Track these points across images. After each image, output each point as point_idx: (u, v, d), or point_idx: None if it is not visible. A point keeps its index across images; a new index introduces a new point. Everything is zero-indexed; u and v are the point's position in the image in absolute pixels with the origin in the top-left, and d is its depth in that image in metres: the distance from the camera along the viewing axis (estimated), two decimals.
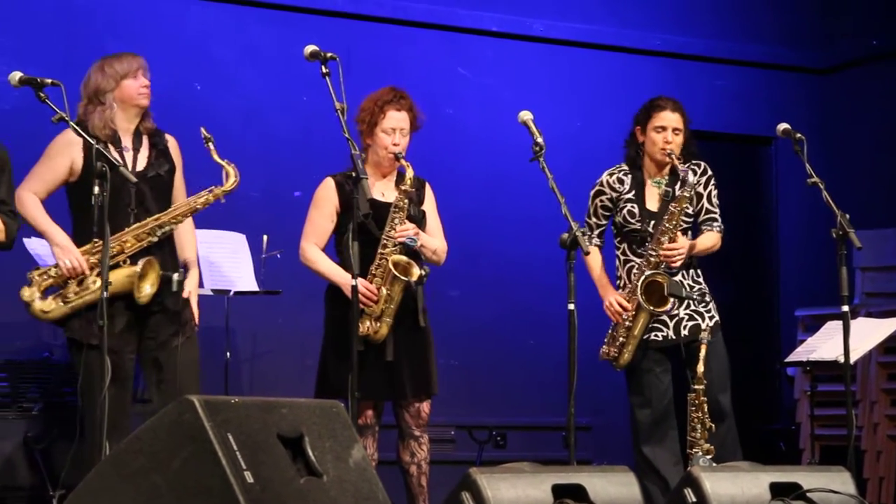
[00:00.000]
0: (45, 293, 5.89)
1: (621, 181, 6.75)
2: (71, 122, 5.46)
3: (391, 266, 6.17)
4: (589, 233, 6.81)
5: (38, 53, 7.61)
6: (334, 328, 6.30)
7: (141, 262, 5.84)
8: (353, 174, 5.69)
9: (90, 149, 5.77)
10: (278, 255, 7.50)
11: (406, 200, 6.27)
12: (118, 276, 5.81)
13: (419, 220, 6.37)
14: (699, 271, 6.73)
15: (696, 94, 9.02)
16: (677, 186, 6.60)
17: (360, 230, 6.09)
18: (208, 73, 8.15)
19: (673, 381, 6.73)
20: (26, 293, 5.88)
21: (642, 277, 6.56)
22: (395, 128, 6.32)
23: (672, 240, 6.55)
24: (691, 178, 6.55)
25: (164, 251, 6.03)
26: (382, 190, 6.37)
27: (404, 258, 6.22)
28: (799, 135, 6.48)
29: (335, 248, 6.41)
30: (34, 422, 6.59)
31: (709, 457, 6.33)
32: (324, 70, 5.75)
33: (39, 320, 5.96)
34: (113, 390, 5.62)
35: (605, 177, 6.82)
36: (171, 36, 8.01)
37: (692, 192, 6.57)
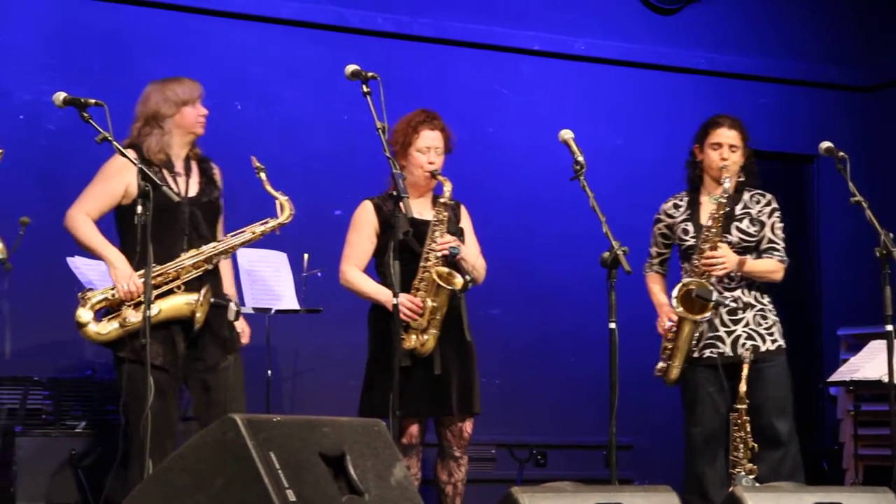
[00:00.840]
0: (97, 314, 5.89)
1: (677, 206, 6.75)
2: (115, 143, 5.48)
3: (435, 276, 6.19)
4: (650, 260, 6.81)
5: (80, 74, 7.66)
6: (378, 347, 6.32)
7: (203, 291, 5.82)
8: (394, 193, 5.69)
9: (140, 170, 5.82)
10: (319, 274, 7.51)
11: (445, 214, 6.31)
12: (176, 303, 5.81)
13: (458, 237, 6.40)
14: (763, 294, 6.66)
15: (739, 112, 8.89)
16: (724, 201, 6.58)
17: (401, 248, 6.13)
18: (249, 92, 8.19)
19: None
20: (83, 315, 5.83)
21: (679, 285, 6.53)
22: (429, 146, 6.37)
23: (713, 248, 6.51)
24: (726, 183, 6.52)
25: (215, 277, 6.02)
26: (419, 209, 6.40)
27: (446, 269, 6.25)
28: (842, 153, 6.45)
29: (376, 270, 6.44)
30: (78, 440, 6.61)
31: (752, 476, 6.30)
32: (365, 89, 5.76)
33: (91, 342, 5.92)
34: (161, 409, 5.69)
35: (663, 204, 6.85)
36: (211, 55, 8.05)
37: (727, 198, 6.53)
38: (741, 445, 6.37)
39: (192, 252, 5.88)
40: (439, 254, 6.26)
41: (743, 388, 6.34)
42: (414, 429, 6.28)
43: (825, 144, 6.53)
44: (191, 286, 5.85)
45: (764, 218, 6.66)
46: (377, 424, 4.64)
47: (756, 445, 6.39)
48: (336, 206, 8.18)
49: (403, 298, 6.17)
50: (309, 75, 8.29)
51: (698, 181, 6.74)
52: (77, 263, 6.79)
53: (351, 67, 5.81)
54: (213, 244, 5.92)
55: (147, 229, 5.37)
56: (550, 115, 8.64)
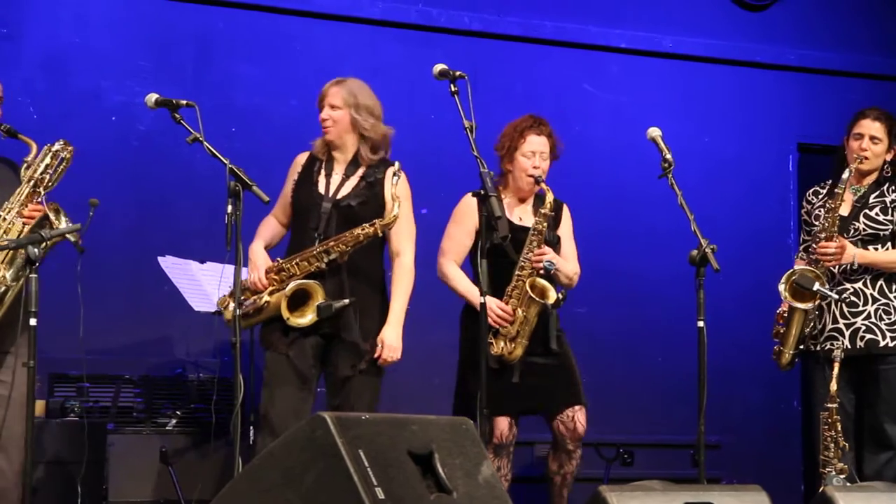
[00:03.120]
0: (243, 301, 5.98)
1: (817, 193, 6.72)
2: (205, 143, 5.53)
3: (528, 288, 6.21)
4: (799, 247, 6.82)
5: (172, 75, 7.74)
6: (471, 346, 6.33)
7: (294, 284, 5.88)
8: (483, 192, 5.70)
9: (308, 165, 6.07)
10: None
11: (544, 224, 6.31)
12: (279, 297, 5.91)
13: (554, 245, 6.41)
14: (893, 286, 6.57)
15: (828, 108, 8.92)
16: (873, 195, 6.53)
17: (497, 252, 6.24)
18: None
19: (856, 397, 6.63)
20: (221, 300, 6.11)
21: (786, 274, 6.48)
22: (534, 151, 6.40)
23: (829, 239, 6.46)
24: (845, 174, 6.47)
25: (340, 279, 5.97)
26: (521, 214, 6.45)
27: (542, 281, 6.26)
28: None
29: (472, 269, 6.46)
30: (168, 437, 6.68)
31: (842, 476, 6.24)
32: (452, 88, 5.77)
33: (228, 325, 6.09)
34: (284, 399, 5.86)
35: (808, 191, 6.83)
36: (300, 55, 8.10)
37: (844, 189, 6.48)
38: (832, 445, 6.31)
39: (306, 250, 5.94)
40: (535, 265, 6.28)
41: (833, 387, 6.29)
42: (505, 428, 6.29)
43: None
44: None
45: None
46: (465, 423, 4.65)
47: (847, 445, 6.33)
48: (422, 205, 8.20)
49: (493, 303, 6.21)
50: (396, 75, 8.31)
51: (842, 171, 6.66)
52: (168, 263, 6.86)
53: (439, 67, 5.83)
54: (323, 242, 5.93)
55: (237, 229, 5.43)
56: (638, 113, 8.60)
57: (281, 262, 5.98)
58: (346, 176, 6.08)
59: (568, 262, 6.48)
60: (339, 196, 6.03)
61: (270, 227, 6.22)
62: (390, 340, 5.98)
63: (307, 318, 5.89)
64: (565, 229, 6.57)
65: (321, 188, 6.05)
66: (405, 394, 8.06)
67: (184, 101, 5.62)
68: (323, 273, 5.93)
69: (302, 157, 6.18)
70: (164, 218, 7.60)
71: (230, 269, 5.58)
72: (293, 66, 8.02)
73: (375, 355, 5.96)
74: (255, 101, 7.92)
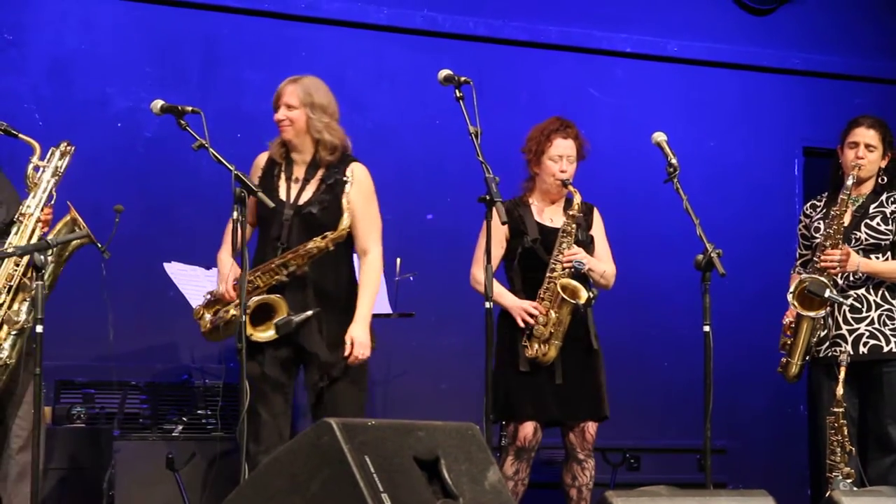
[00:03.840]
0: (216, 313, 5.95)
1: (815, 206, 6.74)
2: (211, 150, 5.53)
3: (559, 289, 6.23)
4: (795, 261, 6.83)
5: (178, 81, 7.75)
6: (501, 350, 6.36)
7: (254, 300, 5.77)
8: (487, 197, 5.68)
9: (268, 168, 5.93)
10: (411, 278, 7.53)
11: (574, 225, 6.35)
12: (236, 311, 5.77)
13: (587, 245, 6.44)
14: (895, 292, 6.59)
15: (833, 112, 8.90)
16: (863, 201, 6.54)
17: (529, 255, 6.34)
18: (342, 97, 8.18)
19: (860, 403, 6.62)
20: (196, 311, 6.03)
21: (796, 282, 6.49)
22: (562, 155, 6.43)
23: (834, 247, 6.47)
24: (849, 181, 6.48)
25: (304, 288, 5.88)
26: (551, 216, 6.48)
27: (573, 282, 6.28)
28: None
29: (505, 274, 6.48)
30: (175, 443, 6.68)
31: (849, 480, 6.24)
32: (458, 94, 5.76)
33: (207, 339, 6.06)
34: (268, 417, 5.82)
35: (806, 204, 6.86)
36: (305, 61, 8.10)
37: (848, 196, 6.49)
38: (838, 449, 6.31)
39: (265, 263, 5.84)
40: (565, 266, 6.29)
41: (840, 391, 6.28)
42: (529, 433, 6.31)
43: None
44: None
45: None
46: (471, 428, 4.65)
47: (854, 449, 6.33)
48: (428, 211, 8.21)
49: (527, 306, 6.28)
50: (401, 80, 8.32)
51: (838, 181, 6.67)
52: (173, 269, 6.87)
53: (444, 72, 5.81)
54: (281, 255, 5.82)
55: (243, 234, 5.43)
56: (643, 118, 8.60)
57: (254, 272, 5.86)
58: (307, 180, 5.95)
59: (602, 262, 6.50)
60: (300, 202, 5.91)
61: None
62: (358, 338, 5.84)
63: (269, 332, 5.80)
64: (597, 230, 6.62)
65: (282, 194, 5.91)
66: (412, 400, 8.07)
67: (189, 108, 5.62)
68: (286, 284, 5.85)
69: (261, 160, 6.04)
70: (169, 224, 7.61)
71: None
72: (299, 71, 7.92)
73: (345, 354, 5.83)
74: (261, 107, 7.87)
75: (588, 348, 6.41)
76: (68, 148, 5.91)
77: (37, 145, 5.86)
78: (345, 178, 5.90)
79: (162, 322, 7.47)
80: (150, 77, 7.72)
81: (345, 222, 5.79)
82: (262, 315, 5.81)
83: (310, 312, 5.80)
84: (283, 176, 5.95)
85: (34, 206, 5.79)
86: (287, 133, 5.96)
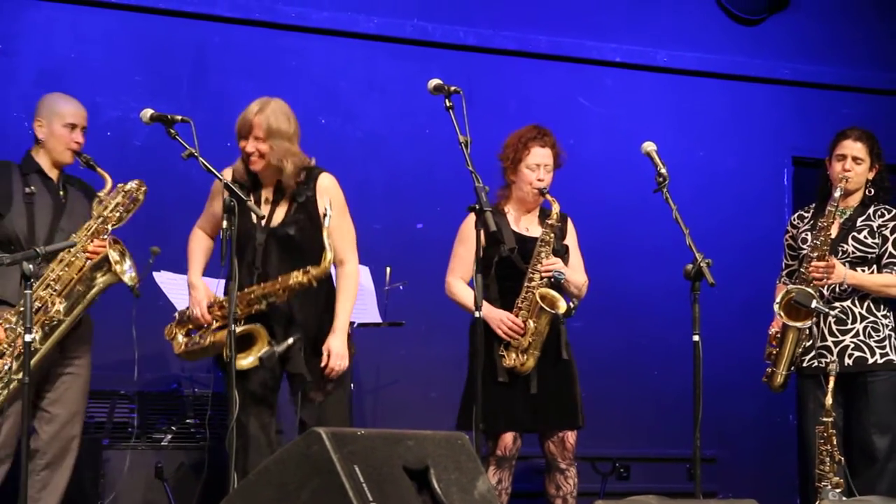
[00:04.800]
0: (189, 333, 5.94)
1: (802, 217, 6.75)
2: (201, 159, 5.53)
3: (538, 299, 6.21)
4: (781, 272, 6.85)
5: (168, 91, 7.75)
6: (477, 361, 6.34)
7: (239, 328, 5.71)
8: (478, 207, 5.69)
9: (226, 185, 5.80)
10: (401, 287, 7.53)
11: (552, 235, 6.32)
12: (222, 337, 5.73)
13: (563, 255, 6.42)
14: (880, 307, 6.60)
15: (822, 122, 8.93)
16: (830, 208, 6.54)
17: (506, 264, 6.23)
18: (332, 107, 8.24)
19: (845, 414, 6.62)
20: (168, 330, 5.98)
21: (782, 292, 6.50)
22: (539, 163, 6.40)
23: (821, 259, 6.48)
24: (836, 193, 6.50)
25: (278, 318, 5.85)
26: (527, 225, 6.46)
27: (551, 291, 6.27)
28: None
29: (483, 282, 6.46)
30: (164, 453, 6.68)
31: (838, 490, 6.24)
32: (447, 103, 5.76)
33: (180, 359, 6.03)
34: (256, 427, 5.80)
35: (793, 215, 6.87)
36: (296, 71, 8.11)
37: (836, 207, 6.50)
38: (827, 459, 6.32)
39: (248, 290, 5.77)
40: (544, 275, 6.28)
41: (829, 401, 6.29)
42: (509, 441, 6.30)
43: None
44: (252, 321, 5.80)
45: (886, 232, 6.60)
46: (460, 438, 4.65)
47: (843, 459, 6.33)
48: (418, 220, 8.21)
49: (503, 316, 6.25)
50: (391, 90, 8.33)
51: (826, 194, 6.69)
52: (163, 278, 6.86)
53: (434, 82, 5.82)
54: (263, 285, 5.77)
55: (231, 244, 5.42)
56: (633, 128, 8.62)
57: (223, 300, 5.83)
58: (276, 201, 5.88)
59: (576, 273, 6.49)
60: (273, 224, 5.85)
61: (203, 246, 6.05)
62: (336, 349, 5.82)
63: (249, 360, 5.76)
64: (571, 241, 6.59)
65: (253, 217, 5.81)
66: (402, 409, 8.07)
67: (179, 117, 5.62)
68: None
69: (226, 176, 5.85)
70: (159, 233, 7.59)
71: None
72: (289, 81, 8.03)
73: (322, 364, 5.80)
74: None
75: (559, 359, 6.38)
76: (140, 188, 6.01)
77: (108, 179, 6.02)
78: (315, 194, 5.87)
79: (151, 331, 7.45)
80: (140, 86, 7.72)
81: (328, 256, 5.70)
82: (242, 343, 5.77)
83: (290, 341, 5.78)
84: (251, 198, 5.79)
85: (82, 237, 5.90)
86: (256, 165, 5.86)
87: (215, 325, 5.87)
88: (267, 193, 5.91)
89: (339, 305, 5.90)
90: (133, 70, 7.74)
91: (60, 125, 6.07)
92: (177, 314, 5.98)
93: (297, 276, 5.73)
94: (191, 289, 5.95)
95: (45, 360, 5.87)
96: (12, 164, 6.10)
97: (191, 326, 5.92)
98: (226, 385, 5.75)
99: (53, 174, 6.13)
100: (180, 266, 6.97)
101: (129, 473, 6.58)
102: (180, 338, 5.90)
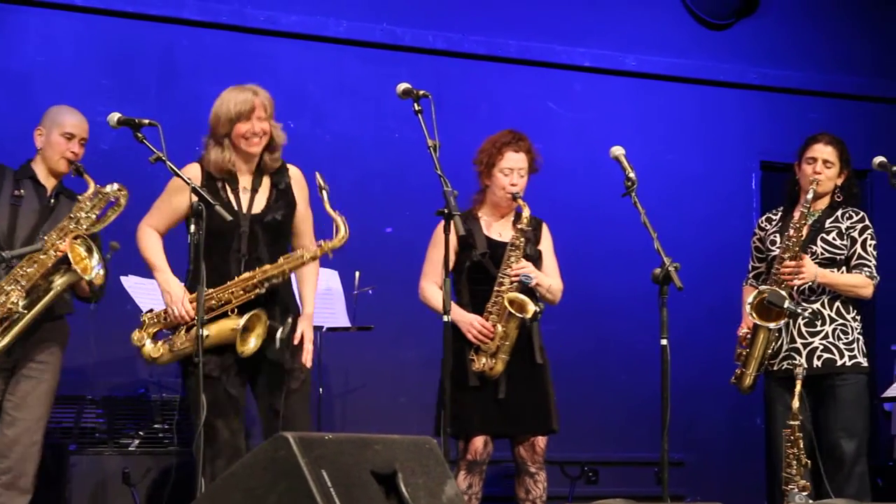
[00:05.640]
0: (156, 336, 5.89)
1: (770, 220, 6.79)
2: (168, 163, 5.51)
3: (506, 303, 6.22)
4: (748, 273, 6.87)
5: (135, 94, 7.72)
6: (452, 363, 6.33)
7: (246, 317, 5.69)
8: (446, 211, 5.68)
9: (207, 184, 5.79)
10: (370, 292, 7.53)
11: (522, 239, 6.33)
12: (223, 328, 5.72)
13: (535, 260, 6.43)
14: (849, 309, 6.63)
15: (790, 126, 8.97)
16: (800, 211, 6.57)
17: (477, 269, 6.30)
18: (301, 110, 8.23)
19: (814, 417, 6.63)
20: (136, 336, 5.84)
21: (754, 293, 6.52)
22: (512, 168, 6.40)
23: (793, 259, 6.50)
24: (808, 195, 6.52)
25: (274, 301, 5.84)
26: (500, 230, 6.46)
27: (520, 296, 6.27)
28: (895, 167, 6.44)
29: (454, 288, 6.45)
30: (131, 458, 6.65)
31: (805, 493, 6.26)
32: (416, 107, 5.76)
33: (147, 364, 5.94)
34: (226, 432, 5.76)
35: (760, 218, 6.91)
36: (264, 74, 8.07)
37: (808, 208, 6.53)
38: (794, 462, 6.33)
39: (245, 275, 5.74)
40: (513, 280, 6.29)
41: (795, 404, 6.30)
42: (479, 446, 6.29)
43: (878, 159, 6.51)
44: (247, 309, 5.73)
45: (855, 234, 6.64)
46: (429, 442, 4.65)
47: (809, 462, 6.35)
48: (387, 224, 8.21)
49: (474, 320, 6.25)
50: (360, 93, 8.32)
51: (795, 197, 6.72)
52: (130, 283, 6.84)
53: (402, 86, 5.82)
54: (264, 268, 5.74)
55: (200, 248, 5.41)
56: (602, 132, 8.63)
57: (213, 291, 5.74)
58: (255, 189, 5.89)
59: (549, 277, 6.49)
60: (255, 211, 5.85)
61: (160, 245, 5.95)
62: (309, 335, 5.88)
63: (250, 344, 5.73)
64: (546, 245, 6.59)
65: (235, 207, 5.81)
66: (370, 413, 8.06)
67: (146, 121, 5.60)
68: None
69: (194, 172, 5.83)
70: (126, 237, 7.56)
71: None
72: (258, 84, 8.00)
73: (299, 341, 5.82)
74: None
75: (532, 362, 6.39)
76: (120, 191, 6.01)
77: (91, 183, 6.01)
78: (291, 181, 5.95)
79: (119, 335, 7.41)
80: (108, 90, 7.70)
81: (342, 231, 5.73)
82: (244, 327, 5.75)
83: (290, 321, 5.81)
84: (228, 188, 5.83)
85: (53, 237, 5.90)
86: (258, 146, 5.87)
87: (210, 317, 5.77)
88: (245, 182, 5.90)
89: (307, 293, 5.96)
90: (101, 74, 7.72)
91: (58, 134, 6.11)
92: (144, 317, 5.88)
93: (309, 252, 5.76)
94: (167, 288, 5.83)
95: (4, 360, 5.88)
96: (7, 169, 6.15)
97: (161, 328, 5.85)
98: (186, 389, 5.75)
99: (49, 183, 6.16)
100: (147, 270, 6.95)
101: (95, 479, 6.56)
102: (149, 344, 5.83)
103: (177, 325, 5.79)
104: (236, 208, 5.82)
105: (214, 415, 5.69)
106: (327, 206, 5.75)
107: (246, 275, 5.75)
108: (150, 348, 5.82)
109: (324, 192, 5.76)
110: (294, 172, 6.01)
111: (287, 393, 5.82)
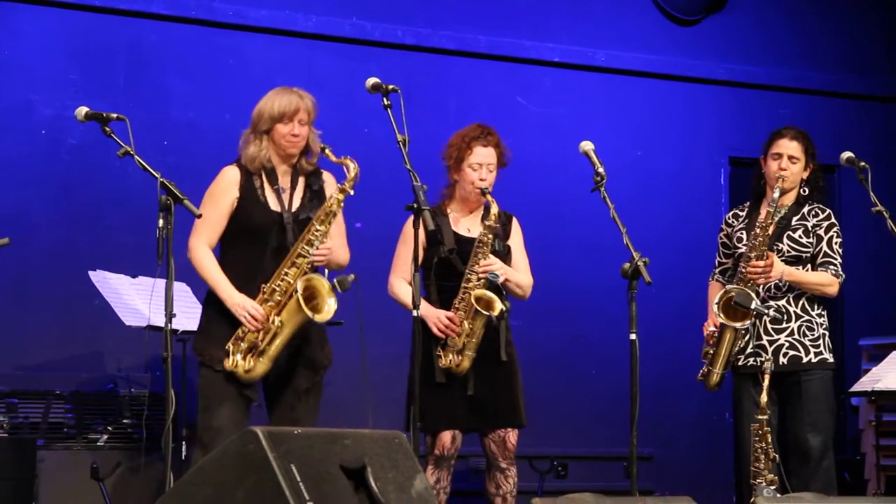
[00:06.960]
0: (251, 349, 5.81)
1: (737, 216, 6.79)
2: (136, 157, 5.50)
3: (473, 300, 6.21)
4: (713, 269, 6.88)
5: (103, 88, 7.69)
6: (421, 359, 6.32)
7: (300, 283, 5.74)
8: (415, 206, 5.69)
9: (246, 182, 5.86)
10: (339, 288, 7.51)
11: (490, 235, 6.32)
12: (289, 309, 5.76)
13: (503, 255, 6.42)
14: (814, 306, 6.65)
15: (759, 122, 8.98)
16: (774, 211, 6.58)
17: (444, 265, 6.29)
18: None
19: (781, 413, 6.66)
20: (228, 363, 5.75)
21: (720, 292, 6.54)
22: (481, 163, 6.38)
23: (760, 258, 6.52)
24: (776, 193, 6.53)
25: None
26: (468, 225, 6.45)
27: (487, 293, 6.27)
28: (863, 163, 6.48)
29: (422, 283, 6.43)
30: (100, 453, 6.63)
31: (772, 487, 6.29)
32: (385, 102, 5.77)
33: (251, 381, 5.83)
34: (233, 423, 5.74)
35: (727, 214, 6.91)
36: (233, 69, 8.07)
37: (775, 207, 6.53)
38: (762, 456, 6.35)
39: (287, 258, 5.79)
40: (480, 276, 6.28)
41: (763, 398, 6.32)
42: (447, 441, 6.29)
43: (846, 154, 6.54)
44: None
45: (821, 232, 6.65)
46: (398, 436, 4.65)
47: (777, 456, 6.38)
48: (356, 219, 8.19)
49: (440, 313, 6.26)
50: (330, 88, 8.29)
51: (760, 192, 6.73)
52: (98, 277, 6.81)
53: (371, 80, 5.82)
54: (307, 257, 5.80)
55: (168, 243, 5.40)
56: (571, 127, 8.63)
57: (268, 285, 5.78)
58: (292, 188, 5.96)
59: (519, 273, 6.49)
60: (293, 209, 5.92)
61: (215, 262, 5.88)
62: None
63: (327, 307, 5.86)
64: (516, 240, 6.58)
65: (273, 205, 5.89)
66: (339, 408, 8.05)
67: (114, 115, 5.59)
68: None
69: (234, 175, 5.91)
70: (94, 232, 7.55)
71: (161, 283, 5.52)
72: (227, 79, 8.00)
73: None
74: (188, 114, 7.90)
75: (498, 359, 6.39)
76: None
77: None
78: (325, 185, 6.03)
79: (87, 330, 7.41)
80: (75, 84, 7.66)
81: (353, 170, 5.93)
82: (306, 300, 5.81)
83: (352, 276, 5.91)
84: (265, 186, 5.90)
85: None
86: (294, 148, 5.92)
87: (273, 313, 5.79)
88: (283, 182, 5.95)
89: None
90: (68, 68, 7.68)
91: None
92: (229, 345, 5.77)
93: (334, 197, 5.90)
94: (233, 302, 5.77)
95: None
96: None
97: (249, 345, 5.78)
98: (161, 384, 5.74)
99: None
100: (115, 265, 6.94)
101: (64, 474, 6.54)
102: (241, 361, 5.77)
103: (258, 330, 5.76)
104: (275, 207, 5.88)
105: (221, 413, 5.73)
106: (332, 157, 5.91)
107: (287, 257, 5.81)
108: (243, 365, 5.77)
109: (326, 150, 5.93)
110: (327, 176, 6.07)
111: (311, 386, 5.99)
